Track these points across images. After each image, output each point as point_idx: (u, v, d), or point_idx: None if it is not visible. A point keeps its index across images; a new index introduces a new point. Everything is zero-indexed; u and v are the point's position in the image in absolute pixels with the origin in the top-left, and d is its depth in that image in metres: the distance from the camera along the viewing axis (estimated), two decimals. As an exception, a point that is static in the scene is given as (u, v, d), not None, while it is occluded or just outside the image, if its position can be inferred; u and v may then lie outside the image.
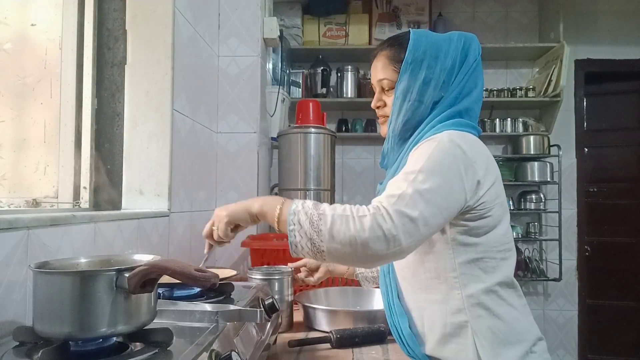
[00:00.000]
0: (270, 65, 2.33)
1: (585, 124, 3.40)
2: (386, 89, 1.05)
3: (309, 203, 0.86)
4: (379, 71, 1.05)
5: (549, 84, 3.06)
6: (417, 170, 0.87)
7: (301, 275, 1.38)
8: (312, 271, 1.37)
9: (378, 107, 1.09)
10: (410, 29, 1.06)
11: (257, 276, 1.24)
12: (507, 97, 3.17)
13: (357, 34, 3.22)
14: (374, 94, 1.10)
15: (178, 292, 0.92)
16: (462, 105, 0.99)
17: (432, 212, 0.84)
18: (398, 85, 1.00)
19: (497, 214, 0.93)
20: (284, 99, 2.35)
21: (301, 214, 0.84)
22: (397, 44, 1.03)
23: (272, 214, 0.88)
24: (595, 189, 3.39)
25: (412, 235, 0.82)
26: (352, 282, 1.56)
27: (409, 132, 1.01)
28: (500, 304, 0.93)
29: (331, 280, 1.57)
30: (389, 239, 0.80)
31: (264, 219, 0.90)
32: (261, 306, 0.92)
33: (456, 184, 0.87)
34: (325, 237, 0.82)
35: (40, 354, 0.57)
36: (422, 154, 0.90)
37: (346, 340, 1.12)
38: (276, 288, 1.24)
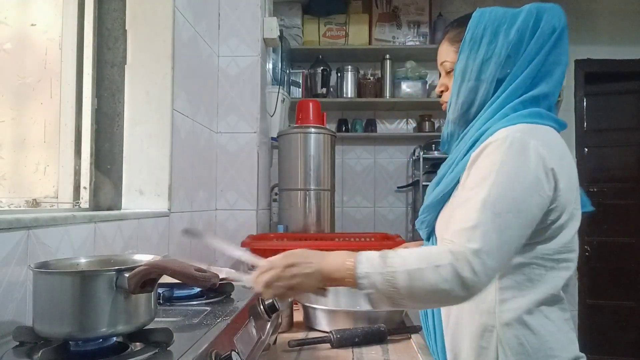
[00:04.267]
0: (270, 65, 2.33)
1: (585, 124, 3.40)
2: (448, 71, 0.99)
3: (376, 259, 0.78)
4: (442, 54, 1.00)
5: (549, 84, 3.06)
6: (488, 188, 0.78)
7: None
8: None
9: (442, 92, 1.02)
10: (478, 7, 0.95)
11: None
12: (507, 97, 3.17)
13: (357, 34, 3.22)
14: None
15: (178, 292, 0.92)
16: (541, 90, 0.88)
17: (510, 239, 0.77)
18: (456, 66, 0.94)
19: (563, 221, 0.84)
20: (284, 99, 2.35)
21: (373, 276, 0.76)
22: (458, 24, 0.96)
23: (343, 281, 0.79)
24: (595, 189, 3.39)
25: (495, 269, 0.76)
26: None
27: (471, 115, 0.94)
28: (536, 315, 0.84)
29: (331, 280, 1.57)
30: (470, 286, 0.74)
31: (335, 285, 0.82)
32: (261, 306, 0.93)
33: (534, 199, 0.78)
34: (404, 295, 0.76)
35: (40, 354, 0.57)
36: (490, 164, 0.81)
37: (346, 340, 1.12)
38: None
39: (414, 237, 3.08)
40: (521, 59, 0.89)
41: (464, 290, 0.74)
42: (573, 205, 0.85)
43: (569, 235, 0.85)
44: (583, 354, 0.87)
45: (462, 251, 0.75)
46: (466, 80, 0.93)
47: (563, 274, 0.85)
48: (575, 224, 0.86)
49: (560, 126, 0.90)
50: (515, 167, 0.79)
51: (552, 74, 0.89)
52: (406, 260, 0.77)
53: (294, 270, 0.80)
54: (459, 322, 0.91)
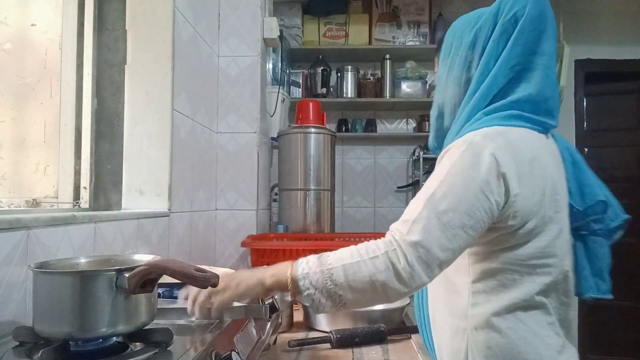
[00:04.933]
0: (270, 65, 2.33)
1: (585, 124, 3.40)
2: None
3: (313, 260, 0.81)
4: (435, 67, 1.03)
5: (549, 84, 3.06)
6: (436, 186, 0.79)
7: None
8: None
9: None
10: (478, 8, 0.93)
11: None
12: (507, 97, 3.17)
13: (357, 34, 3.22)
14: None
15: (178, 292, 0.92)
16: (522, 92, 0.84)
17: (451, 236, 0.76)
18: (437, 74, 0.97)
19: (532, 226, 0.80)
20: (284, 99, 2.35)
21: (311, 275, 0.79)
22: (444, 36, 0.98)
23: (285, 284, 0.80)
24: (595, 189, 3.39)
25: (431, 265, 0.76)
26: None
27: (445, 120, 0.93)
28: (507, 319, 0.82)
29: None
30: (406, 277, 0.76)
31: (279, 291, 0.84)
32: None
33: (482, 202, 0.77)
34: (344, 290, 0.78)
35: (40, 354, 0.57)
36: (445, 164, 0.81)
37: (346, 340, 1.12)
38: (276, 288, 1.23)
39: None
40: (484, 56, 0.85)
41: (400, 282, 0.76)
42: (547, 210, 0.81)
43: (545, 240, 0.82)
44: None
45: (399, 241, 0.77)
46: (439, 85, 0.94)
47: (541, 280, 0.82)
48: (554, 227, 0.82)
49: (541, 127, 0.86)
50: (466, 168, 0.78)
51: (532, 69, 0.83)
52: (343, 256, 0.79)
53: (233, 275, 0.83)
54: (441, 322, 0.92)
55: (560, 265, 0.84)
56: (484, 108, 0.85)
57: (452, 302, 0.88)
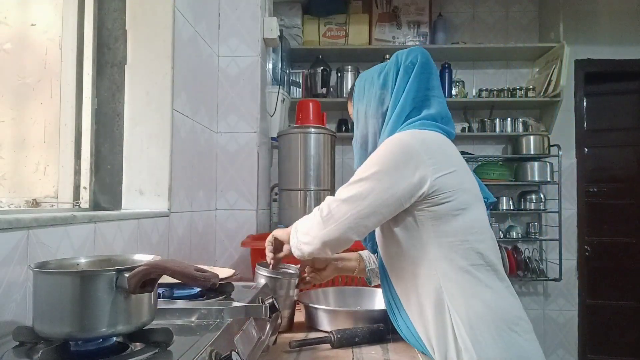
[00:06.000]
0: (270, 65, 2.33)
1: (585, 124, 3.40)
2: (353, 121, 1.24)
3: (294, 234, 1.13)
4: (349, 110, 1.27)
5: (549, 84, 3.06)
6: (363, 165, 1.03)
7: (306, 275, 1.32)
8: (319, 270, 1.33)
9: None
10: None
11: (264, 272, 1.23)
12: (507, 97, 3.17)
13: (357, 34, 3.22)
14: None
15: (178, 292, 0.92)
16: (426, 113, 1.08)
17: (361, 194, 0.99)
18: (353, 114, 1.21)
19: (462, 199, 0.99)
20: (284, 99, 2.35)
21: (294, 226, 1.14)
22: (353, 86, 1.24)
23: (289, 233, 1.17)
24: (595, 189, 3.39)
25: (340, 211, 1.01)
26: (351, 281, 1.56)
27: (369, 146, 1.14)
28: (476, 284, 0.96)
29: (331, 281, 1.57)
30: (321, 219, 1.03)
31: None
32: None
33: (393, 174, 0.98)
34: (297, 232, 1.11)
35: (40, 354, 0.57)
36: (377, 151, 1.03)
37: (346, 340, 1.12)
38: (282, 286, 1.23)
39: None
40: (394, 92, 1.10)
41: (320, 222, 1.04)
42: (472, 188, 1.03)
43: (478, 213, 1.01)
44: (527, 320, 0.99)
45: (329, 199, 1.05)
46: (359, 120, 1.17)
47: (485, 246, 0.99)
48: (479, 203, 1.04)
49: (445, 133, 1.07)
50: (388, 152, 1.00)
51: (428, 99, 1.09)
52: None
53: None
54: (420, 302, 1.01)
55: (490, 232, 1.03)
56: (400, 126, 1.08)
57: (427, 281, 0.99)
